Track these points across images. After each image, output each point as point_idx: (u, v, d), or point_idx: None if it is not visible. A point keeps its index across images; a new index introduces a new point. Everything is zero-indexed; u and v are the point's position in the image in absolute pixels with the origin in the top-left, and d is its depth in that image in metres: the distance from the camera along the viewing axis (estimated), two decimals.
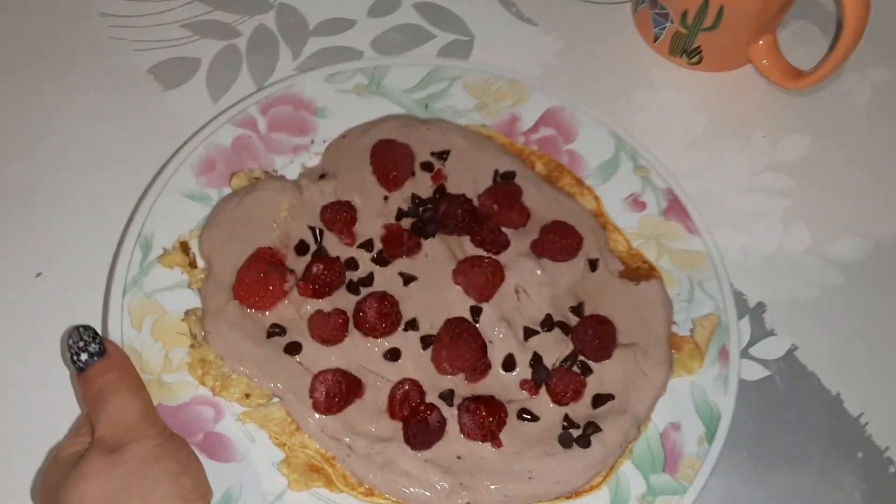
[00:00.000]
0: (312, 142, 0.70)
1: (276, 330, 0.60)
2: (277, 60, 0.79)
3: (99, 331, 0.55)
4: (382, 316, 0.60)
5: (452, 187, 0.68)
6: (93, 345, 0.54)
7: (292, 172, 0.69)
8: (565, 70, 0.79)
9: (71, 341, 0.54)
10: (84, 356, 0.53)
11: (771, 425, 0.60)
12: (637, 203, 0.70)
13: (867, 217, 0.66)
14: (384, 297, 0.61)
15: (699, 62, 0.71)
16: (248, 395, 0.58)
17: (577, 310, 0.64)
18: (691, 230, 0.68)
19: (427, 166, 0.68)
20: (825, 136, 0.69)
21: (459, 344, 0.59)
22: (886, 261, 0.65)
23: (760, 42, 0.69)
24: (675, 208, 0.69)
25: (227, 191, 0.67)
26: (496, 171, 0.69)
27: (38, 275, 0.66)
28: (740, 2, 0.64)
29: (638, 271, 0.67)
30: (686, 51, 0.71)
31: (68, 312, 0.64)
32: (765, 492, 0.59)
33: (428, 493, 0.56)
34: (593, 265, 0.66)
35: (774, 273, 0.69)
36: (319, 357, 0.60)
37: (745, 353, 0.66)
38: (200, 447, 0.56)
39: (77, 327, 0.54)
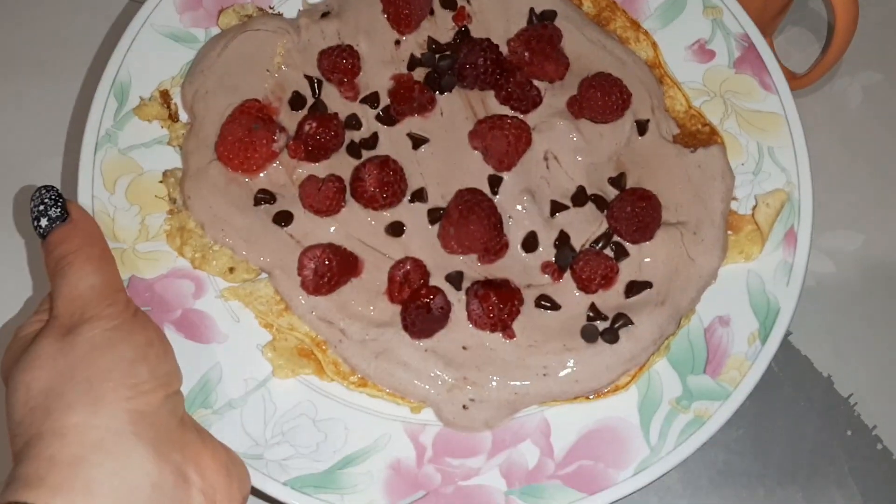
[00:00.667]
0: None
1: (264, 196, 0.53)
2: None
3: (66, 191, 0.48)
4: (384, 185, 0.51)
5: (478, 30, 0.57)
6: (54, 209, 0.47)
7: (291, 9, 0.59)
8: None
9: (32, 204, 0.47)
10: (44, 221, 0.47)
11: (767, 404, 0.62)
12: (704, 51, 0.58)
13: (859, 210, 0.70)
14: (386, 163, 0.52)
15: None
16: (231, 269, 0.52)
17: (616, 181, 0.54)
18: (767, 86, 0.57)
19: (449, 3, 0.57)
20: (820, 134, 0.72)
21: (470, 220, 0.50)
22: (876, 252, 0.69)
23: None
24: (749, 59, 0.57)
25: (214, 31, 0.58)
26: (532, 10, 0.57)
27: None
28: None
29: (696, 136, 0.56)
30: None
31: (24, 171, 0.58)
32: (762, 466, 0.61)
33: (427, 387, 0.49)
34: (642, 128, 0.55)
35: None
36: (313, 229, 0.52)
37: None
38: (177, 325, 0.51)
39: (39, 189, 0.48)
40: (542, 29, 0.56)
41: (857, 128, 0.73)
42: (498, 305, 0.49)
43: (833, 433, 0.62)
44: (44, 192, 0.47)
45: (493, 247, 0.51)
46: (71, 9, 0.65)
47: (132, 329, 0.45)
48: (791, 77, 0.68)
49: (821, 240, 0.68)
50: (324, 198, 0.52)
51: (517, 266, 0.52)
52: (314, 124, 0.53)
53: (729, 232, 0.53)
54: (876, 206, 0.70)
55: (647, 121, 0.55)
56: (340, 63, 0.55)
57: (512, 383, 0.49)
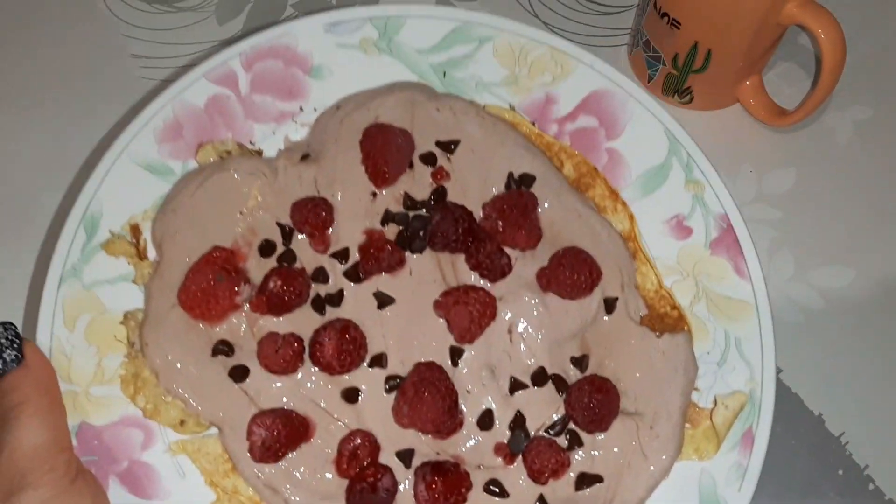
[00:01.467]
0: (301, 109, 0.59)
1: (222, 347, 0.52)
2: None
3: (27, 325, 0.48)
4: (341, 353, 0.51)
5: (455, 189, 0.57)
6: (9, 350, 0.47)
7: (272, 148, 0.59)
8: None
9: None
10: None
11: None
12: (682, 227, 0.57)
13: (849, 246, 0.70)
14: (346, 330, 0.52)
15: (690, 101, 0.74)
16: (182, 422, 0.52)
17: (579, 362, 0.54)
18: (741, 272, 0.56)
19: (429, 158, 0.57)
20: (810, 169, 0.74)
21: (424, 400, 0.50)
22: (866, 287, 0.69)
23: (747, 83, 0.73)
24: (727, 241, 0.57)
25: (192, 164, 0.57)
26: (511, 175, 0.57)
27: None
28: (727, 46, 0.68)
29: (664, 319, 0.56)
30: (678, 91, 0.74)
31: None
32: None
33: None
34: (610, 306, 0.55)
35: None
36: (267, 387, 0.52)
37: None
38: (122, 478, 0.50)
39: None
40: (517, 196, 0.55)
41: (847, 163, 0.73)
42: (444, 494, 0.49)
43: (824, 472, 0.62)
44: (1, 330, 0.47)
45: (445, 429, 0.51)
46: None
47: (74, 496, 0.45)
48: (781, 114, 0.72)
49: (810, 275, 0.69)
50: (280, 359, 0.51)
51: (470, 443, 0.52)
52: (279, 282, 0.52)
53: (687, 425, 0.53)
54: (866, 242, 0.70)
55: (616, 299, 0.55)
56: (312, 217, 0.54)
57: None
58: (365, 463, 0.50)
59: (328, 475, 0.51)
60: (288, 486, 0.50)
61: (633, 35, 0.76)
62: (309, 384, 0.52)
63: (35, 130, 0.73)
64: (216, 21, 0.79)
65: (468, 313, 0.52)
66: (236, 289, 0.53)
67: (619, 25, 0.80)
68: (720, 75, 0.71)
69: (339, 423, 0.52)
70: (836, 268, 0.70)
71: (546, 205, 0.56)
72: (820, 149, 0.74)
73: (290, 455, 0.51)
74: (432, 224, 0.54)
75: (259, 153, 0.58)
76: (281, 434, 0.50)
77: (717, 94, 0.74)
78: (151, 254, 0.56)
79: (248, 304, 0.53)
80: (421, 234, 0.55)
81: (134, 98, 0.75)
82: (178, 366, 0.52)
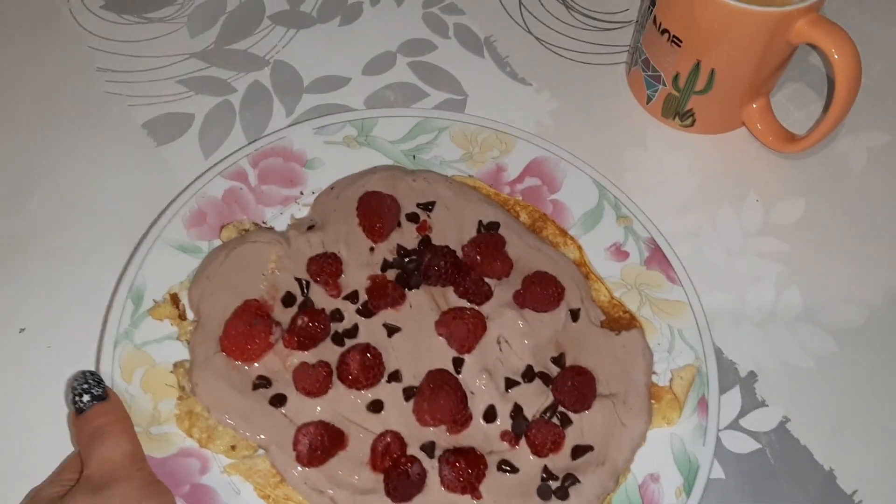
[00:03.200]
0: (302, 193, 0.72)
1: (261, 382, 0.62)
2: (271, 117, 0.80)
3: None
4: (365, 369, 0.61)
5: (437, 238, 0.69)
6: (96, 388, 0.57)
7: (281, 224, 0.71)
8: (557, 129, 0.80)
9: (76, 383, 0.57)
10: (87, 398, 0.56)
11: (762, 501, 0.59)
12: (619, 252, 0.71)
13: (863, 283, 0.65)
14: (367, 350, 0.62)
15: (692, 125, 0.71)
16: (233, 447, 0.60)
17: (557, 360, 0.65)
18: (673, 280, 0.69)
19: (413, 217, 0.70)
20: (820, 199, 0.69)
21: (440, 396, 0.60)
22: (882, 328, 0.63)
23: (754, 105, 0.69)
24: (656, 258, 0.70)
25: (216, 243, 0.68)
26: (480, 222, 0.70)
27: (22, 330, 0.68)
28: (732, 65, 0.64)
29: (619, 321, 0.68)
30: (678, 113, 0.70)
31: (50, 370, 0.65)
32: None
33: None
34: (575, 315, 0.67)
35: (767, 340, 0.69)
36: (304, 409, 0.61)
37: (735, 425, 0.66)
38: (186, 498, 0.57)
39: (83, 371, 0.57)
40: (489, 236, 0.69)
41: (860, 192, 0.67)
42: (466, 470, 0.58)
43: None
44: (88, 374, 0.57)
45: (460, 418, 0.61)
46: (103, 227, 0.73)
47: (159, 491, 0.53)
48: (790, 139, 0.66)
49: (820, 315, 0.63)
50: (314, 381, 0.61)
51: (480, 435, 0.62)
52: (306, 318, 0.63)
53: (652, 401, 0.64)
54: (881, 279, 0.63)
55: (579, 309, 0.67)
56: (326, 267, 0.66)
57: None
58: (395, 456, 0.59)
59: (365, 473, 0.59)
60: (331, 486, 0.58)
61: (632, 52, 0.72)
62: (339, 402, 0.62)
63: None
64: (188, 33, 0.80)
65: (465, 326, 0.63)
66: (270, 330, 0.63)
67: (616, 42, 0.77)
68: (725, 97, 0.66)
69: (369, 431, 0.61)
70: (848, 307, 0.64)
71: (511, 243, 0.69)
72: (831, 177, 0.68)
73: (330, 461, 0.59)
74: (424, 262, 0.66)
75: (271, 228, 0.70)
76: (324, 439, 0.58)
77: (721, 117, 0.69)
78: (190, 315, 0.65)
79: (280, 343, 0.63)
80: (416, 273, 0.67)
81: (98, 115, 0.74)
82: (226, 400, 0.61)
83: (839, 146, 0.71)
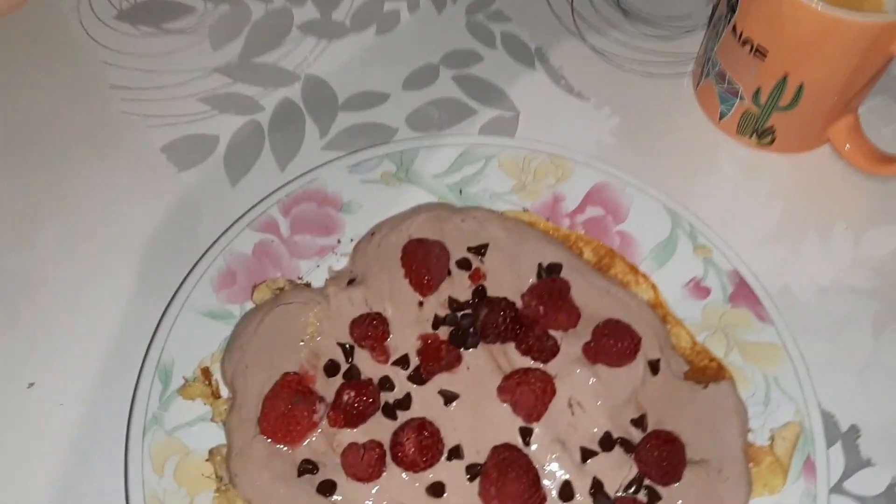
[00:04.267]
0: (339, 241, 0.65)
1: (307, 467, 0.55)
2: (303, 138, 0.73)
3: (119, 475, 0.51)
4: (423, 448, 0.54)
5: (493, 285, 0.62)
6: None
7: (318, 278, 0.64)
8: (619, 150, 0.72)
9: None
10: None
11: None
12: (699, 289, 0.63)
13: None
14: (423, 427, 0.55)
15: (771, 143, 0.65)
16: None
17: (638, 422, 0.57)
18: (763, 318, 0.61)
19: (464, 264, 0.63)
20: None
21: (508, 479, 0.53)
22: None
23: (841, 122, 0.63)
24: (742, 292, 0.62)
25: (249, 305, 0.62)
26: (540, 265, 0.62)
27: (31, 385, 0.62)
28: (823, 80, 0.58)
29: (705, 371, 0.60)
30: (757, 131, 0.64)
31: (61, 426, 0.60)
32: None
33: None
34: (654, 368, 0.59)
35: (868, 389, 0.62)
36: (356, 496, 0.54)
37: (838, 488, 0.58)
38: None
39: None
40: (551, 283, 0.61)
41: None
42: None
43: None
44: None
45: (533, 502, 0.54)
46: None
47: None
48: (884, 160, 0.61)
49: None
50: (366, 466, 0.54)
51: None
52: (352, 393, 0.56)
53: (750, 464, 0.56)
54: None
55: (658, 360, 0.59)
56: (371, 330, 0.59)
57: None
58: None
59: None
60: None
61: (702, 63, 0.67)
62: (395, 486, 0.55)
63: None
64: (210, 45, 0.74)
65: (532, 392, 0.56)
66: (313, 408, 0.56)
67: (680, 50, 0.72)
68: (811, 113, 0.62)
69: None
70: None
71: (576, 287, 0.62)
72: None
73: None
74: (480, 319, 0.59)
75: (308, 285, 0.63)
76: None
77: (804, 136, 0.65)
78: (224, 391, 0.59)
79: (325, 421, 0.56)
80: (471, 330, 0.59)
81: (113, 138, 0.69)
82: (269, 491, 0.54)
83: None
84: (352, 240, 0.65)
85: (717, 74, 0.66)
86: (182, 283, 0.62)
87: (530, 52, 0.78)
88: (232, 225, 0.64)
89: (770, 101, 0.62)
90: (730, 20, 0.62)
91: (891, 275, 0.65)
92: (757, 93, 0.63)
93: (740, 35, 0.61)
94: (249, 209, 0.65)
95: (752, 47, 0.60)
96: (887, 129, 0.67)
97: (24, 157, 0.70)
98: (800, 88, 0.60)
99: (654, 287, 0.63)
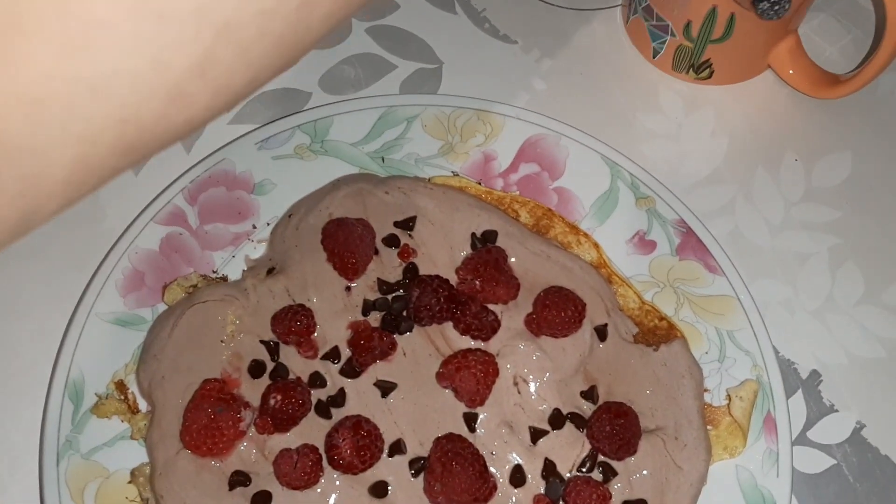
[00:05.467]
0: (255, 227, 0.60)
1: (239, 479, 0.51)
2: None
3: None
4: (359, 449, 0.50)
5: (424, 261, 0.57)
6: None
7: (235, 270, 0.59)
8: (552, 98, 0.67)
9: None
10: None
11: None
12: (644, 243, 0.59)
13: None
14: (359, 425, 0.51)
15: (710, 76, 0.62)
16: None
17: (588, 394, 0.54)
18: (713, 269, 0.58)
19: (392, 240, 0.58)
20: (870, 152, 0.60)
21: (453, 473, 0.50)
22: None
23: (781, 45, 0.59)
24: (690, 243, 0.59)
25: (161, 308, 0.57)
26: (473, 234, 0.58)
27: None
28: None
29: (655, 332, 0.57)
30: (693, 66, 0.62)
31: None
32: None
33: None
34: (602, 334, 0.56)
35: (827, 331, 0.59)
36: None
37: (802, 439, 0.56)
38: None
39: None
40: (486, 254, 0.57)
41: None
42: None
43: None
44: None
45: (482, 495, 0.50)
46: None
47: None
48: (831, 81, 0.58)
49: (887, 295, 0.58)
50: (301, 473, 0.50)
51: (509, 503, 0.51)
52: (279, 397, 0.52)
53: (709, 427, 0.53)
54: None
55: (605, 325, 0.56)
56: (295, 324, 0.54)
57: None
58: None
59: None
60: None
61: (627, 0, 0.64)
62: (334, 491, 0.51)
63: None
64: None
65: (473, 376, 0.52)
66: (238, 416, 0.52)
67: None
68: (747, 42, 0.58)
69: None
70: None
71: (514, 255, 0.57)
72: (881, 123, 0.60)
73: None
74: (413, 301, 0.55)
75: (224, 279, 0.58)
76: None
77: (743, 65, 0.62)
78: (143, 405, 0.54)
79: (253, 428, 0.52)
80: (404, 313, 0.55)
81: None
82: None
83: (886, 83, 0.61)
84: (268, 224, 0.60)
85: (645, 10, 0.63)
86: (85, 289, 0.56)
87: None
88: (134, 220, 0.58)
89: (702, 35, 0.59)
90: None
91: (845, 206, 0.62)
92: (688, 26, 0.60)
93: None
94: (152, 200, 0.59)
95: None
96: (832, 48, 0.64)
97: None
98: (731, 18, 0.57)
99: (596, 246, 0.59)
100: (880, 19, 0.54)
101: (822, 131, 0.64)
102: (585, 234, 0.60)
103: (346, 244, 0.56)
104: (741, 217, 0.63)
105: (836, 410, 0.57)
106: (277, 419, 0.52)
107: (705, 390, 0.55)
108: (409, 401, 0.54)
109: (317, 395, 0.54)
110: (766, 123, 0.65)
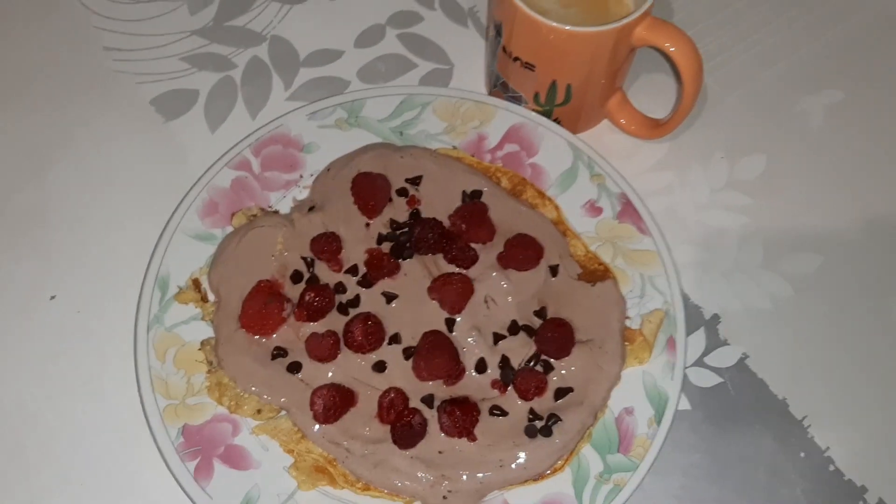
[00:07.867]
0: (301, 176, 0.79)
1: (279, 352, 0.70)
2: (271, 90, 0.87)
3: (129, 363, 0.66)
4: (368, 334, 0.69)
5: (426, 209, 0.76)
6: None
7: (285, 207, 0.78)
8: None
9: None
10: None
11: (724, 428, 0.66)
12: (594, 209, 0.78)
13: (818, 232, 0.71)
14: (368, 318, 0.70)
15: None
16: (259, 411, 0.69)
17: (539, 313, 0.73)
18: (643, 231, 0.76)
19: (402, 192, 0.77)
20: (780, 155, 0.75)
21: (435, 355, 0.68)
22: (834, 274, 0.71)
23: (612, 101, 0.76)
24: (628, 211, 0.77)
25: (229, 229, 0.76)
26: (464, 192, 0.77)
27: (53, 297, 0.76)
28: (585, 77, 0.69)
29: (595, 273, 0.75)
30: None
31: (82, 335, 0.74)
32: (719, 489, 0.65)
33: (415, 485, 0.66)
34: (554, 271, 0.74)
35: (730, 287, 0.76)
36: (317, 373, 0.70)
37: (700, 362, 0.74)
38: (222, 458, 0.67)
39: None
40: (472, 206, 0.76)
41: (818, 148, 0.74)
42: (462, 418, 0.67)
43: (787, 455, 0.64)
44: None
45: (454, 372, 0.69)
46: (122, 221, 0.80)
47: None
48: (653, 126, 0.74)
49: (780, 263, 0.70)
50: (324, 349, 0.69)
51: (473, 385, 0.70)
52: (313, 294, 0.71)
53: (626, 343, 0.72)
54: (835, 228, 0.70)
55: (557, 265, 0.74)
56: (327, 245, 0.73)
57: (478, 475, 0.66)
58: (399, 409, 0.68)
59: (374, 425, 0.68)
60: (345, 438, 0.67)
61: (489, 76, 0.79)
62: (348, 365, 0.70)
63: (3, 129, 0.80)
64: (188, 10, 0.86)
65: (455, 290, 0.71)
66: (282, 307, 0.71)
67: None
68: (584, 103, 0.74)
69: (375, 389, 0.69)
70: (804, 255, 0.70)
71: (494, 209, 0.76)
72: (791, 134, 0.74)
73: (343, 418, 0.68)
74: (415, 235, 0.74)
75: (277, 212, 0.78)
76: (336, 399, 0.67)
77: (584, 119, 0.79)
78: (211, 297, 0.74)
79: (292, 317, 0.71)
80: (408, 244, 0.74)
81: (108, 92, 0.80)
82: (249, 371, 0.69)
83: (798, 104, 0.77)
84: (311, 175, 0.79)
85: (502, 85, 0.79)
86: (174, 212, 0.76)
87: (464, 13, 0.92)
88: (212, 164, 0.78)
89: (548, 102, 0.75)
90: (499, 42, 0.74)
91: (756, 195, 0.76)
92: (536, 96, 0.76)
93: (511, 54, 0.71)
94: (226, 151, 0.79)
95: (521, 63, 0.71)
96: (661, 96, 0.80)
97: (32, 112, 0.83)
98: (568, 88, 0.73)
99: (557, 208, 0.78)
100: (678, 75, 0.68)
101: (746, 137, 0.80)
102: (550, 199, 0.78)
103: (369, 192, 0.75)
104: (675, 197, 0.81)
105: (728, 344, 0.75)
106: (310, 311, 0.71)
107: (627, 317, 0.73)
108: (406, 307, 0.72)
109: (339, 298, 0.73)
110: (704, 130, 0.81)
